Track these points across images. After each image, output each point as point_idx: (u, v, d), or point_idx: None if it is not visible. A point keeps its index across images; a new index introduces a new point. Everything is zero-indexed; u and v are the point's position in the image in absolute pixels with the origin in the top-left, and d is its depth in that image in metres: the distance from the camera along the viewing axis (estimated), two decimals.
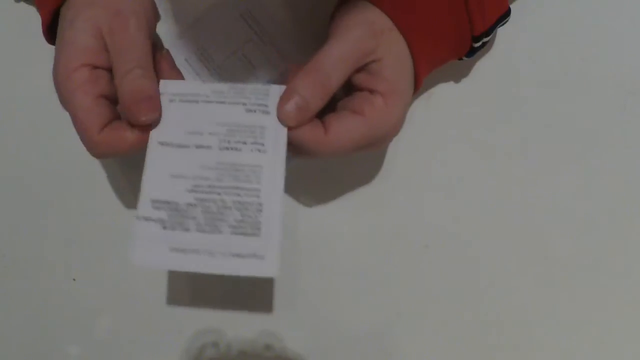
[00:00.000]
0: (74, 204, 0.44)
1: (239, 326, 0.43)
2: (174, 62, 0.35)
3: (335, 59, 0.33)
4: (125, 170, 0.44)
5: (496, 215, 0.43)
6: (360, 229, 0.44)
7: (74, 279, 0.44)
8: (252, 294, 0.44)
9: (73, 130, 0.43)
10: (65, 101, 0.32)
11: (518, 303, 0.43)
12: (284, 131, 0.32)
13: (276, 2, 0.42)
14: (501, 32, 0.39)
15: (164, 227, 0.31)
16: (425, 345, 0.43)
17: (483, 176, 0.43)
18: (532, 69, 0.43)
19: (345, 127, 0.33)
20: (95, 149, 0.32)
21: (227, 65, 0.43)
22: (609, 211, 0.43)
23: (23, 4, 0.42)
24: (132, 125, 0.32)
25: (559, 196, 0.43)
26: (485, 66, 0.43)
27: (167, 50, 0.36)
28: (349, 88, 0.34)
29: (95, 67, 0.32)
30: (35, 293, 0.44)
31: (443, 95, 0.43)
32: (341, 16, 0.35)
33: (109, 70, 0.33)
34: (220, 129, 0.33)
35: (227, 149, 0.32)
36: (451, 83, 0.43)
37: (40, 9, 0.36)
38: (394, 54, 0.34)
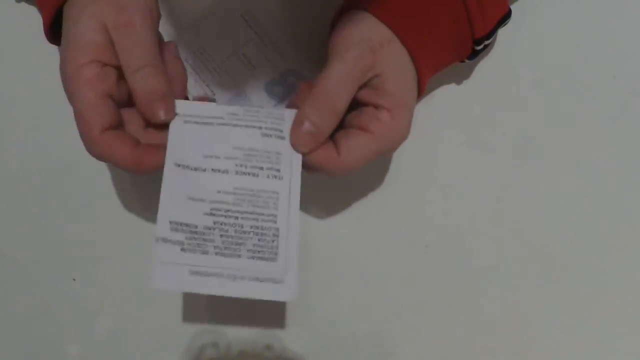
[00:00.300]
0: (74, 204, 0.44)
1: (239, 326, 0.43)
2: (178, 53, 0.35)
3: (338, 82, 0.33)
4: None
5: (496, 215, 0.43)
6: (360, 229, 0.44)
7: (74, 279, 0.44)
8: None
9: (74, 130, 0.43)
10: (72, 96, 0.32)
11: (518, 303, 0.43)
12: (298, 157, 0.33)
13: (276, 2, 0.43)
14: (501, 32, 0.39)
15: (183, 250, 0.31)
16: (425, 345, 0.43)
17: (483, 176, 0.43)
18: (532, 69, 0.43)
19: (356, 147, 0.34)
20: (92, 148, 0.32)
21: (227, 65, 0.43)
22: (609, 211, 0.43)
23: (24, 4, 0.42)
24: (136, 141, 0.33)
25: (559, 196, 0.43)
26: (485, 67, 0.43)
27: (174, 43, 0.36)
28: (353, 103, 0.35)
29: (104, 65, 0.32)
30: (35, 293, 0.44)
31: (444, 96, 0.43)
32: (339, 33, 0.35)
33: (117, 67, 0.33)
34: (236, 152, 0.33)
35: (244, 174, 0.33)
36: (452, 84, 0.43)
37: (41, 8, 0.36)
38: (394, 65, 0.35)
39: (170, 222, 0.32)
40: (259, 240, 0.32)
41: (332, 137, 0.34)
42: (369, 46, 0.34)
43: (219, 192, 0.32)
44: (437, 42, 0.36)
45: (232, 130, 0.33)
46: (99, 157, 0.33)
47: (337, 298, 0.44)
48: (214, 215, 0.32)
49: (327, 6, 0.39)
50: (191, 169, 0.33)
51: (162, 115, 0.32)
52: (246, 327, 0.43)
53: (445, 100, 0.43)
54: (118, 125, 0.33)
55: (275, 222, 0.32)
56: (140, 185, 0.44)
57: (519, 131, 0.43)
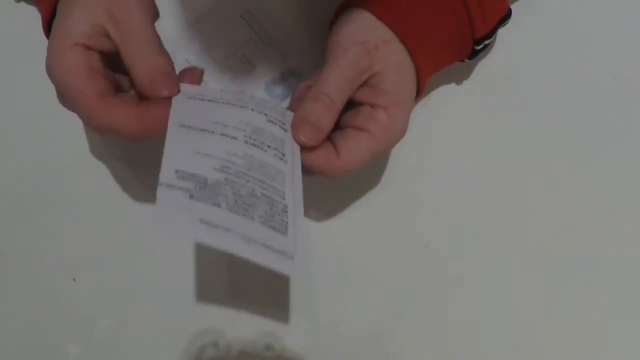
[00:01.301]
0: (74, 204, 0.44)
1: (239, 326, 0.43)
2: (200, 79, 0.36)
3: (335, 83, 0.34)
4: (127, 168, 0.44)
5: (496, 215, 0.43)
6: (360, 229, 0.44)
7: (74, 279, 0.44)
8: (252, 294, 0.44)
9: (74, 130, 0.43)
10: (59, 79, 0.31)
11: (518, 303, 0.43)
12: (298, 153, 0.33)
13: (276, 2, 0.43)
14: (501, 32, 0.39)
15: (191, 197, 0.28)
16: (425, 345, 0.43)
17: (483, 176, 0.43)
18: (532, 69, 0.43)
19: (355, 148, 0.34)
20: (93, 117, 0.31)
21: (227, 65, 0.43)
22: (609, 211, 0.43)
23: (23, 4, 0.42)
24: (138, 100, 0.32)
25: (559, 196, 0.43)
26: (485, 67, 0.43)
27: (202, 70, 0.36)
28: (349, 102, 0.35)
29: (88, 48, 0.32)
30: (35, 293, 0.44)
31: (444, 96, 0.43)
32: (337, 34, 0.35)
33: (102, 55, 0.32)
34: (245, 126, 0.32)
35: (253, 145, 0.32)
36: (452, 84, 0.43)
37: (39, 6, 0.36)
38: (391, 65, 0.35)
39: (177, 171, 0.28)
40: (270, 208, 0.29)
41: (329, 138, 0.34)
42: (364, 48, 0.34)
43: (228, 152, 0.30)
44: (437, 41, 0.36)
45: (239, 110, 0.33)
46: (101, 126, 0.31)
47: (337, 298, 0.44)
48: (224, 172, 0.29)
49: (327, 6, 0.39)
50: (197, 130, 0.30)
51: (165, 93, 0.31)
52: (246, 327, 0.43)
53: (445, 100, 0.43)
54: (114, 93, 0.32)
55: (284, 198, 0.30)
56: (141, 185, 0.44)
57: (518, 131, 0.43)
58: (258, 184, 0.30)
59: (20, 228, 0.44)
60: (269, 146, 0.32)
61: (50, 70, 0.32)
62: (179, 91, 0.32)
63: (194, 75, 0.35)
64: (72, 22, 0.32)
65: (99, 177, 0.44)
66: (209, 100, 0.33)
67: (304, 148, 0.33)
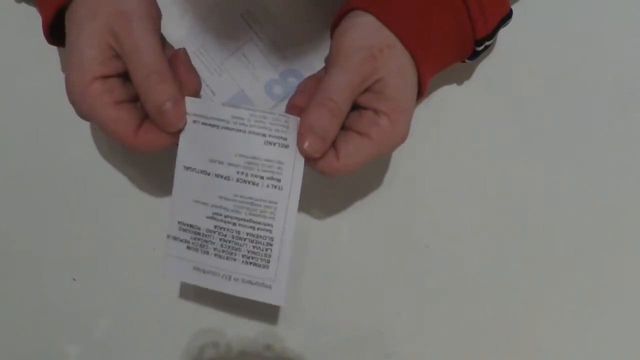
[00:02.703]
0: (74, 204, 0.44)
1: (239, 326, 0.43)
2: (190, 62, 0.36)
3: (340, 88, 0.34)
4: (127, 168, 0.44)
5: (496, 215, 0.43)
6: (360, 229, 0.44)
7: (74, 279, 0.44)
8: None
9: (73, 130, 0.43)
10: (87, 115, 0.33)
11: (518, 303, 0.43)
12: (301, 166, 0.34)
13: (276, 2, 0.42)
14: (502, 32, 0.39)
15: (188, 247, 0.35)
16: (425, 345, 0.43)
17: (483, 176, 0.43)
18: (532, 69, 0.43)
19: (355, 152, 0.34)
20: (134, 150, 0.34)
21: (227, 65, 0.43)
22: (609, 211, 0.43)
23: (24, 4, 0.42)
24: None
25: (559, 196, 0.43)
26: (485, 67, 0.43)
27: (184, 50, 0.36)
28: (352, 105, 0.35)
29: (106, 77, 0.33)
30: (35, 293, 0.44)
31: (444, 97, 0.43)
32: (341, 37, 0.35)
33: (120, 75, 0.33)
34: (239, 160, 0.34)
35: (244, 181, 0.34)
36: (453, 85, 0.43)
37: (41, 9, 0.35)
38: (395, 70, 0.35)
39: (179, 223, 0.35)
40: (253, 247, 0.34)
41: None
42: (369, 53, 0.34)
43: (220, 197, 0.34)
44: (438, 43, 0.36)
45: (237, 135, 0.34)
46: (140, 153, 0.35)
47: (337, 298, 0.44)
48: (215, 219, 0.34)
49: (327, 6, 0.39)
50: (197, 172, 0.34)
51: (173, 129, 0.33)
52: (246, 327, 0.43)
53: (446, 101, 0.43)
54: (144, 116, 0.34)
55: (270, 231, 0.34)
56: (141, 185, 0.44)
57: (519, 131, 0.43)
58: (244, 225, 0.34)
59: (21, 228, 0.44)
60: (261, 177, 0.34)
61: (76, 106, 0.34)
62: (185, 123, 0.34)
63: (185, 58, 0.35)
64: (83, 51, 0.32)
65: (99, 177, 0.44)
66: (210, 125, 0.34)
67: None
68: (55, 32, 0.35)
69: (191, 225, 0.35)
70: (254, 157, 0.34)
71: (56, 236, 0.44)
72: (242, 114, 0.34)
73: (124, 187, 0.44)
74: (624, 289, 0.43)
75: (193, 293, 0.44)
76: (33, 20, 0.41)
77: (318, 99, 0.33)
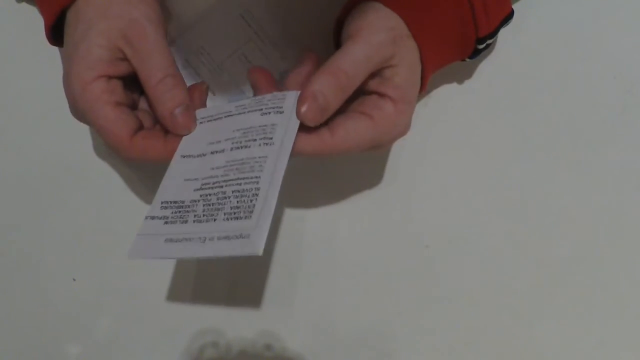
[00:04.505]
0: (74, 204, 0.44)
1: (239, 326, 0.43)
2: (206, 95, 0.37)
3: (357, 61, 0.32)
4: (127, 169, 0.44)
5: (496, 215, 0.43)
6: (360, 229, 0.44)
7: (74, 279, 0.44)
8: (252, 295, 0.44)
9: (73, 130, 0.43)
10: (84, 113, 0.33)
11: (518, 303, 0.43)
12: (295, 127, 0.32)
13: (276, 2, 0.43)
14: (502, 32, 0.39)
15: (165, 223, 0.32)
16: (425, 345, 0.43)
17: (483, 176, 0.43)
18: (532, 68, 0.43)
19: (353, 130, 0.33)
20: (126, 154, 0.33)
21: (227, 65, 0.43)
22: (608, 211, 0.43)
23: (24, 4, 0.42)
24: (164, 135, 0.34)
25: (559, 196, 0.43)
26: (486, 66, 0.43)
27: (207, 85, 0.37)
28: (357, 91, 0.34)
29: (110, 78, 0.33)
30: (35, 293, 0.44)
31: (445, 96, 0.43)
32: (359, 21, 0.34)
33: (123, 79, 0.33)
34: (235, 134, 0.33)
35: (238, 148, 0.33)
36: (453, 84, 0.43)
37: (42, 10, 0.35)
38: (407, 61, 0.34)
39: (162, 202, 0.33)
40: (237, 202, 0.31)
41: (329, 120, 0.33)
42: (393, 35, 0.33)
43: (212, 168, 0.33)
44: (443, 39, 0.36)
45: (237, 117, 0.34)
46: (133, 160, 0.34)
47: (337, 298, 0.44)
48: (202, 189, 0.32)
49: (327, 6, 0.39)
50: (194, 157, 0.33)
51: (185, 132, 0.34)
52: (246, 327, 0.43)
53: (446, 100, 0.43)
54: (141, 125, 0.34)
55: (257, 182, 0.31)
56: (141, 186, 0.44)
57: (518, 131, 0.43)
58: (231, 184, 0.32)
59: (21, 228, 0.44)
60: (254, 140, 0.33)
61: (73, 100, 0.33)
62: (196, 126, 0.34)
63: (201, 91, 0.36)
64: (90, 49, 0.32)
65: (99, 177, 0.44)
66: (214, 120, 0.34)
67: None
68: (57, 33, 0.35)
69: (175, 202, 0.33)
70: (250, 127, 0.33)
71: (56, 236, 0.44)
72: (245, 102, 0.34)
73: (123, 188, 0.44)
74: (624, 289, 0.43)
75: (193, 293, 0.44)
76: (33, 20, 0.41)
77: (329, 67, 0.32)
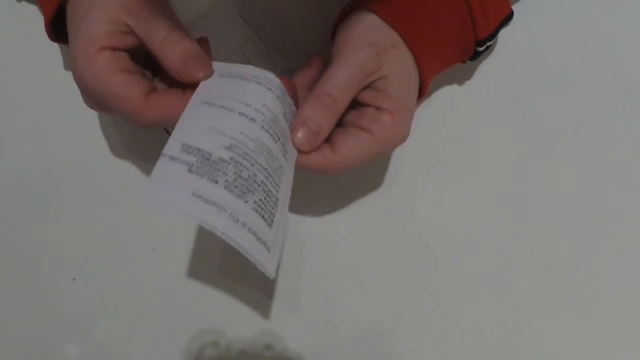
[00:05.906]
0: (74, 204, 0.44)
1: (239, 326, 0.43)
2: (208, 49, 0.36)
3: (341, 84, 0.33)
4: (127, 169, 0.44)
5: (496, 215, 0.43)
6: (360, 230, 0.44)
7: (74, 279, 0.44)
8: (252, 294, 0.44)
9: (73, 130, 0.43)
10: (93, 86, 0.32)
11: (518, 303, 0.43)
12: (294, 154, 0.33)
13: (276, 2, 0.42)
14: (502, 33, 0.39)
15: (189, 171, 0.27)
16: (425, 345, 0.43)
17: (484, 176, 0.43)
18: (533, 69, 0.43)
19: (355, 147, 0.34)
20: (144, 117, 0.31)
21: None
22: (608, 211, 0.43)
23: (24, 4, 0.42)
24: (181, 90, 0.32)
25: (559, 196, 0.43)
26: (486, 67, 0.43)
27: (206, 38, 0.36)
28: (353, 102, 0.35)
29: (115, 49, 0.32)
30: (35, 293, 0.44)
31: (445, 97, 0.43)
32: (345, 34, 0.35)
33: (127, 51, 0.33)
34: (266, 111, 0.32)
35: (268, 132, 0.31)
36: (454, 85, 0.43)
37: (42, 6, 0.35)
38: (398, 69, 0.35)
39: (183, 144, 0.28)
40: (265, 197, 0.29)
41: (330, 137, 0.34)
42: (374, 50, 0.34)
43: (242, 133, 0.30)
44: (441, 44, 0.36)
45: (266, 91, 0.33)
46: (152, 123, 0.32)
47: (337, 298, 0.44)
48: (232, 151, 0.29)
49: (327, 6, 0.39)
50: (218, 107, 0.30)
51: (201, 76, 0.32)
52: (246, 327, 0.43)
53: (447, 101, 0.43)
54: (153, 87, 0.33)
55: (277, 192, 0.30)
56: (140, 185, 0.44)
57: (519, 131, 0.43)
58: (261, 171, 0.29)
59: (21, 228, 0.44)
60: (278, 137, 0.32)
61: (81, 79, 0.32)
62: (212, 71, 0.33)
63: (205, 47, 0.35)
64: (92, 25, 0.32)
65: (99, 177, 0.44)
66: (240, 78, 0.33)
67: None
68: (57, 29, 0.35)
69: (199, 149, 0.28)
70: (276, 117, 0.32)
71: (56, 236, 0.44)
72: (275, 81, 0.33)
73: (123, 188, 0.44)
74: (624, 289, 0.43)
75: (193, 293, 0.44)
76: (33, 20, 0.41)
77: (316, 92, 0.33)
